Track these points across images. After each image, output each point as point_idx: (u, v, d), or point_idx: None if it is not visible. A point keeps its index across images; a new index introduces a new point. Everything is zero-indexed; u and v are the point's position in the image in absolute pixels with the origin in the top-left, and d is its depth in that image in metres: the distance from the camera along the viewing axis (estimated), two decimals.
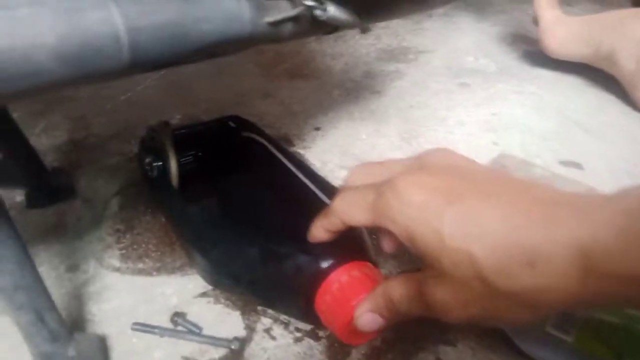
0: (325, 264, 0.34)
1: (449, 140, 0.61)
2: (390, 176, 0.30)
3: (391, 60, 0.83)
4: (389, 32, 0.91)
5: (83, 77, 0.25)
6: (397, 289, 0.30)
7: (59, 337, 0.34)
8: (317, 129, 0.65)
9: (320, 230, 0.33)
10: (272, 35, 0.33)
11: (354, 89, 0.75)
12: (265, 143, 0.51)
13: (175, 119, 0.69)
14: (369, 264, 0.35)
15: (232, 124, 0.54)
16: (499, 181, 0.27)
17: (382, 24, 0.92)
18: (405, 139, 0.62)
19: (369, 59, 0.84)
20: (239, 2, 0.30)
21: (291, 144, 0.62)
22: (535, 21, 0.77)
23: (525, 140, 0.60)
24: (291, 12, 0.32)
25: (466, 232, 0.24)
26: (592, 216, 0.22)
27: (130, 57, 0.26)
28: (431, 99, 0.70)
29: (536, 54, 0.80)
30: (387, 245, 0.34)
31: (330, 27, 0.35)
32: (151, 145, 0.48)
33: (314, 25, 0.34)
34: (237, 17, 0.30)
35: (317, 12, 0.32)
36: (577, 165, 0.55)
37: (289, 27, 0.33)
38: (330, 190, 0.43)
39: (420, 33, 0.92)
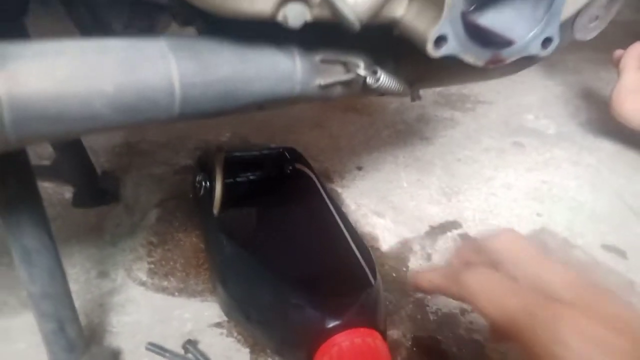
0: (330, 324, 0.34)
1: (490, 202, 0.59)
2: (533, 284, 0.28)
3: (447, 106, 0.82)
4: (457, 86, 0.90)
5: (133, 124, 0.26)
6: None
7: (75, 348, 0.36)
8: (359, 168, 0.65)
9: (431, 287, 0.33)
10: (321, 96, 0.33)
11: (403, 132, 0.74)
12: (315, 180, 0.52)
13: (225, 137, 0.71)
14: (376, 333, 0.35)
15: (287, 155, 0.55)
16: None
17: None
18: (445, 194, 0.61)
19: (425, 102, 0.83)
20: (294, 64, 0.31)
21: (330, 180, 0.62)
22: (616, 63, 0.71)
23: (572, 217, 0.57)
24: (342, 77, 0.32)
25: None
26: None
27: (181, 110, 0.27)
28: (481, 155, 0.69)
29: (601, 122, 0.77)
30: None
31: (381, 92, 0.35)
32: (204, 164, 0.50)
33: (363, 89, 0.34)
34: (289, 78, 0.31)
35: (369, 80, 0.32)
36: (621, 253, 0.52)
37: (338, 90, 0.33)
38: (362, 245, 0.43)
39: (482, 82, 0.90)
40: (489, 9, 0.30)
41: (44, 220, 0.34)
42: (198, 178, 0.49)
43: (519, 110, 0.81)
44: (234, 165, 0.49)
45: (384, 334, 0.37)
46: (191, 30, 0.35)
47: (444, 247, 0.53)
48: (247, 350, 0.41)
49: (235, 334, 0.42)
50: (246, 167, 0.52)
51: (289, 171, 0.53)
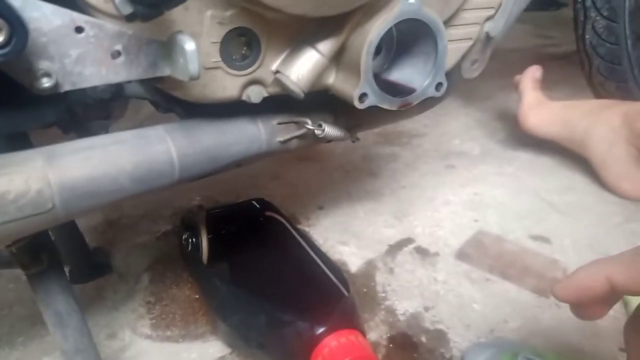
0: (318, 331, 0.42)
1: (435, 217, 0.70)
2: None
3: (387, 143, 0.94)
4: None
5: (145, 192, 0.35)
6: None
7: None
8: (321, 208, 0.74)
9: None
10: (283, 149, 0.43)
11: (352, 171, 0.84)
12: (284, 222, 0.60)
13: (196, 201, 0.78)
14: (357, 332, 0.43)
15: (257, 205, 0.63)
16: None
17: None
18: (397, 217, 0.71)
19: (367, 143, 0.94)
20: (258, 128, 0.40)
21: (298, 221, 0.71)
22: (516, 87, 0.86)
23: (502, 218, 0.68)
24: (297, 132, 0.42)
25: None
26: None
27: (180, 175, 0.36)
28: (421, 180, 0.80)
29: (516, 137, 0.90)
30: None
31: (328, 139, 0.45)
32: (188, 224, 0.57)
33: (314, 139, 0.44)
34: (257, 139, 0.40)
35: (317, 132, 0.42)
36: (546, 240, 0.63)
37: (295, 142, 0.43)
38: (334, 268, 0.51)
39: (413, 118, 1.03)
40: (394, 69, 0.41)
41: (69, 287, 0.41)
42: (184, 236, 0.57)
43: (447, 137, 0.94)
44: (214, 220, 0.57)
45: (363, 333, 0.45)
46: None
47: (403, 261, 0.62)
48: None
49: None
50: (225, 220, 0.60)
51: (261, 218, 0.62)
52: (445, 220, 0.69)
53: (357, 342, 0.42)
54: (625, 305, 0.52)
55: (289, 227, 0.60)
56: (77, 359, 0.40)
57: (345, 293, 0.47)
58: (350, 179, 0.82)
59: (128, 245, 0.68)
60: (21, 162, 0.29)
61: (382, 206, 0.74)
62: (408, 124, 1.01)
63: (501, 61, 1.33)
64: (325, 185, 0.81)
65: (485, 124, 0.99)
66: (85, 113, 0.60)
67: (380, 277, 0.59)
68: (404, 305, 0.55)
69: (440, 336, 0.51)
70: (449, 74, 0.42)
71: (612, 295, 0.30)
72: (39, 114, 0.31)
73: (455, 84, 0.46)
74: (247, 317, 0.47)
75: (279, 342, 0.45)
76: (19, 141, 0.34)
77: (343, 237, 0.67)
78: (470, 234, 0.65)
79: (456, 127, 0.99)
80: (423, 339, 0.51)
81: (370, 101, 0.37)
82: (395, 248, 0.65)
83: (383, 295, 0.57)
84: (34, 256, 0.37)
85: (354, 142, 0.48)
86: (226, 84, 0.36)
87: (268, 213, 0.63)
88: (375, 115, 0.47)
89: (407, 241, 0.66)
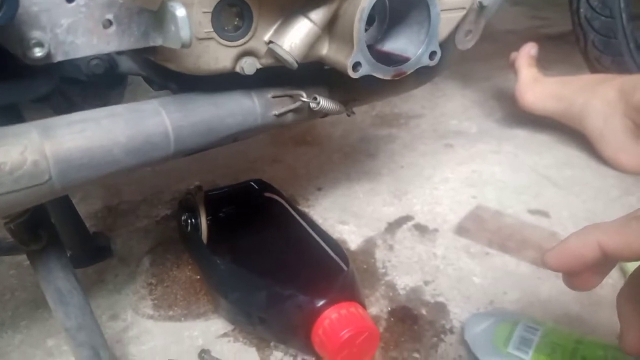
0: (319, 304, 0.42)
1: (434, 195, 0.70)
2: None
3: (384, 125, 0.94)
4: (382, 101, 1.02)
5: (141, 164, 0.35)
6: None
7: None
8: (319, 189, 0.74)
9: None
10: (278, 123, 0.43)
11: (351, 153, 0.84)
12: (283, 202, 0.61)
13: (194, 185, 0.78)
14: (357, 304, 0.43)
15: (255, 186, 0.63)
16: None
17: None
18: (396, 196, 0.71)
19: (365, 125, 0.94)
20: (253, 101, 0.40)
21: (297, 203, 0.71)
22: (512, 65, 0.86)
23: (500, 194, 0.68)
24: (292, 106, 0.42)
25: None
26: None
27: (175, 148, 0.36)
28: (419, 159, 0.80)
29: (513, 116, 0.90)
30: None
31: (323, 113, 0.45)
32: (187, 205, 0.58)
33: (310, 113, 0.44)
34: (252, 112, 0.40)
35: (312, 105, 0.42)
36: (545, 214, 0.63)
37: (290, 116, 0.43)
38: (334, 244, 0.51)
39: (410, 100, 1.03)
40: (388, 40, 0.41)
41: (69, 265, 0.41)
42: (184, 217, 0.57)
43: (444, 117, 0.94)
44: (213, 201, 0.58)
45: (364, 305, 0.45)
46: None
47: (402, 237, 0.62)
48: (254, 349, 0.48)
49: (241, 339, 0.49)
50: (224, 201, 0.60)
51: (260, 199, 0.62)
52: (443, 198, 0.69)
53: (358, 313, 0.43)
54: (625, 274, 0.53)
55: (287, 206, 0.60)
56: (80, 336, 0.41)
57: (345, 267, 0.48)
58: (348, 161, 0.82)
59: (128, 229, 0.68)
60: (16, 134, 0.29)
61: (381, 186, 0.74)
62: (405, 106, 1.01)
63: (497, 42, 1.32)
64: (323, 167, 0.81)
65: (483, 104, 0.99)
66: (82, 99, 0.60)
67: (380, 254, 0.60)
68: (404, 280, 0.55)
69: (440, 308, 0.51)
70: (443, 46, 0.42)
71: (605, 262, 0.29)
72: (31, 86, 0.31)
73: (450, 56, 0.46)
74: (248, 293, 0.47)
75: (280, 316, 0.45)
76: (11, 115, 0.34)
77: (342, 217, 0.67)
78: (468, 210, 0.65)
79: (453, 107, 0.99)
80: (423, 311, 0.51)
81: (364, 70, 0.37)
82: (395, 225, 0.65)
83: (383, 271, 0.57)
84: (33, 233, 0.37)
85: (349, 115, 0.48)
86: (219, 55, 0.36)
87: (266, 194, 0.63)
88: (370, 89, 0.47)
89: (406, 218, 0.66)
